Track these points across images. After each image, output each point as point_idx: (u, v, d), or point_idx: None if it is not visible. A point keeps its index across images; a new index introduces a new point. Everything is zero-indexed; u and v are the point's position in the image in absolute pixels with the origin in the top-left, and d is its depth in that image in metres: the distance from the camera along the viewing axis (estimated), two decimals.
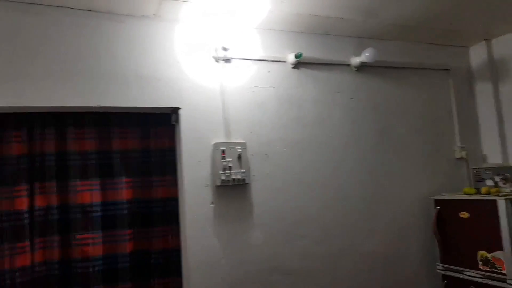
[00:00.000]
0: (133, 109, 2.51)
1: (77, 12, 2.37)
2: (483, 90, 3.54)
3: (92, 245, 2.45)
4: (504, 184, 3.03)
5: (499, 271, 2.60)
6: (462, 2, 2.71)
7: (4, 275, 2.27)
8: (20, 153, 2.36)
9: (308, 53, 2.97)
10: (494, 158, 3.44)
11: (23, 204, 2.35)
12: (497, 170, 3.12)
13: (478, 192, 2.99)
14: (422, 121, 3.38)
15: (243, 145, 2.64)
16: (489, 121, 3.50)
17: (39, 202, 2.40)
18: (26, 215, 2.36)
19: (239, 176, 2.57)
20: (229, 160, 2.56)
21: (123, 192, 2.55)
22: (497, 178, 3.09)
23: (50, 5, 2.30)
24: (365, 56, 3.01)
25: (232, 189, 2.60)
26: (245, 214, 2.63)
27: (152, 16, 2.53)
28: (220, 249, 2.53)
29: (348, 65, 3.15)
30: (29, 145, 2.40)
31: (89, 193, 2.48)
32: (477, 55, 3.60)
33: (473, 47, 3.63)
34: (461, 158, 3.45)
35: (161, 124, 2.66)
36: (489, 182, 3.12)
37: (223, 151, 2.56)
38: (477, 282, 2.74)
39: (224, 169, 2.54)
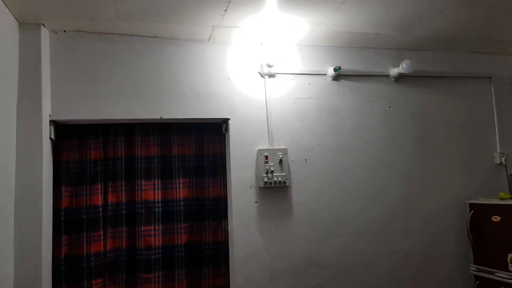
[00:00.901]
0: (190, 120, 2.92)
1: (145, 39, 2.81)
2: None
3: (154, 236, 2.86)
4: None
5: None
6: (500, 13, 2.81)
7: (83, 259, 2.73)
8: (97, 157, 2.83)
9: (348, 66, 3.22)
10: None
11: (98, 200, 2.80)
12: None
13: None
14: (461, 127, 3.48)
15: (284, 151, 2.95)
16: None
17: (111, 198, 2.85)
18: (100, 209, 2.80)
19: (280, 179, 2.89)
20: (271, 164, 2.89)
21: (180, 191, 2.95)
22: None
23: (124, 34, 2.77)
24: (402, 67, 3.20)
25: (274, 190, 2.93)
26: (286, 212, 2.95)
27: (207, 40, 2.93)
28: (262, 243, 2.87)
29: (387, 75, 3.34)
30: (104, 151, 2.86)
31: (152, 192, 2.90)
32: None
33: None
34: (501, 164, 3.52)
35: (213, 132, 3.03)
36: None
37: (266, 156, 2.90)
38: (507, 283, 2.86)
39: (267, 172, 2.87)
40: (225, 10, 2.48)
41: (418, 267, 3.20)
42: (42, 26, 2.58)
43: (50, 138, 2.62)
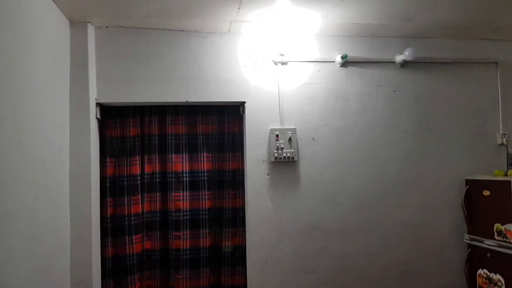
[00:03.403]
0: (212, 103, 3.36)
1: (173, 33, 3.26)
2: None
3: (182, 201, 3.36)
4: None
5: (509, 240, 3.04)
6: (496, 2, 3.00)
7: (125, 218, 3.27)
8: (135, 134, 3.34)
9: (355, 53, 3.53)
10: None
11: (137, 169, 3.32)
12: None
13: (506, 174, 3.35)
14: (464, 110, 3.71)
15: (293, 130, 3.35)
16: None
17: (147, 169, 3.36)
18: (138, 178, 3.32)
19: (289, 155, 3.30)
20: (282, 142, 3.30)
21: (204, 164, 3.42)
22: None
23: (156, 29, 3.22)
24: (405, 55, 3.47)
25: (283, 164, 3.35)
26: (294, 183, 3.37)
27: (227, 32, 3.34)
28: (273, 209, 3.32)
29: (393, 62, 3.61)
30: (141, 128, 3.36)
31: (180, 164, 3.38)
32: None
33: None
34: (502, 144, 3.74)
35: (232, 113, 3.46)
36: None
37: (277, 135, 3.31)
38: (492, 250, 3.20)
39: (277, 149, 3.29)
40: (239, 8, 2.87)
41: (415, 236, 3.55)
42: (88, 23, 3.07)
43: (96, 118, 3.15)
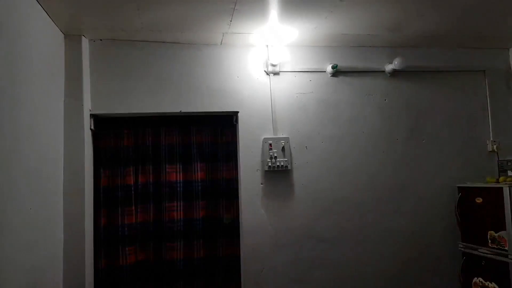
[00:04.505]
0: (205, 113, 3.40)
1: (167, 45, 3.32)
2: None
3: (176, 211, 3.37)
4: None
5: (503, 247, 3.04)
6: (478, 14, 3.09)
7: (118, 228, 3.26)
8: (129, 144, 3.36)
9: (346, 63, 3.59)
10: None
11: (131, 180, 3.33)
12: None
13: (497, 181, 3.39)
14: (454, 118, 3.77)
15: (286, 139, 3.39)
16: None
17: (141, 179, 3.37)
18: (132, 188, 3.33)
19: (282, 164, 3.33)
20: (275, 151, 3.34)
21: (198, 173, 3.44)
22: None
23: (149, 41, 3.28)
24: (394, 64, 3.55)
25: (277, 173, 3.38)
26: (287, 193, 3.39)
27: (219, 44, 3.40)
28: (267, 218, 3.33)
29: (383, 71, 3.68)
30: (135, 139, 3.38)
31: (174, 174, 3.40)
32: None
33: None
34: (493, 151, 3.79)
35: (226, 123, 3.50)
36: (510, 173, 3.48)
37: (270, 144, 3.35)
38: (487, 257, 3.20)
39: (271, 158, 3.32)
40: (231, 20, 2.93)
41: (409, 244, 3.56)
42: (82, 36, 3.12)
43: (91, 129, 3.18)
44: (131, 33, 3.13)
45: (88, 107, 3.13)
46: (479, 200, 3.31)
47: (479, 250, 3.29)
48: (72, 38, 3.08)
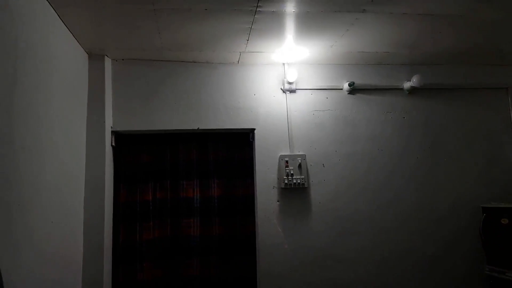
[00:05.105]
0: (222, 130, 3.45)
1: (185, 64, 3.41)
2: None
3: (193, 227, 3.38)
4: None
5: None
6: (495, 32, 3.07)
7: (136, 243, 3.30)
8: (148, 160, 3.43)
9: (363, 81, 3.60)
10: None
11: (149, 195, 3.38)
12: None
13: None
14: (475, 135, 3.70)
15: (303, 156, 3.39)
16: None
17: (159, 194, 3.41)
18: (151, 203, 3.37)
19: (299, 181, 3.32)
20: (291, 168, 3.34)
21: (215, 190, 3.46)
22: None
23: (169, 60, 3.38)
24: (412, 81, 3.52)
25: (293, 191, 3.37)
26: (304, 211, 3.37)
27: (236, 62, 3.47)
28: (283, 236, 3.31)
29: (401, 89, 3.67)
30: (153, 155, 3.45)
31: (191, 190, 3.44)
32: None
33: None
34: None
35: (242, 140, 3.53)
36: None
37: (286, 161, 3.35)
38: None
39: (287, 175, 3.32)
40: (247, 40, 3.00)
41: (431, 266, 3.45)
42: (105, 56, 3.25)
43: (112, 145, 3.27)
44: (152, 52, 3.23)
45: (109, 124, 3.22)
46: (504, 221, 3.20)
47: (507, 274, 3.15)
48: (95, 58, 3.21)
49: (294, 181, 3.32)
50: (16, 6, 2.02)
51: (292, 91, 3.51)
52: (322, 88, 3.56)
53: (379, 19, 2.75)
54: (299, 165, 3.35)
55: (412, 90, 3.64)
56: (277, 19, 2.70)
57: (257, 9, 2.54)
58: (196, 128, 3.36)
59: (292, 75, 3.46)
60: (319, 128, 3.50)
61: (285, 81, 3.48)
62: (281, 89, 3.50)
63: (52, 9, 2.46)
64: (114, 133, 3.28)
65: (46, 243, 2.34)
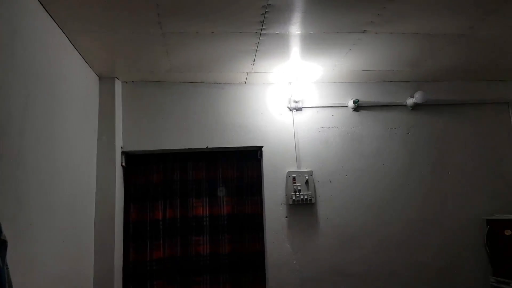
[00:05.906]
0: (231, 149, 3.51)
1: (194, 84, 3.50)
2: None
3: (203, 245, 3.42)
4: None
5: None
6: (495, 51, 3.16)
7: (146, 263, 3.33)
8: (158, 180, 3.48)
9: (367, 98, 3.67)
10: None
11: (159, 214, 3.43)
12: None
13: None
14: (478, 150, 3.74)
15: (310, 173, 3.44)
16: None
17: (169, 214, 3.45)
18: (161, 222, 3.42)
19: (306, 197, 3.37)
20: (299, 184, 3.39)
21: (224, 207, 3.51)
22: None
23: (177, 82, 3.47)
24: (415, 98, 3.60)
25: (301, 207, 3.41)
26: (312, 226, 3.40)
27: (244, 82, 3.56)
28: (292, 252, 3.34)
29: (405, 105, 3.74)
30: (163, 174, 3.51)
31: (201, 208, 3.48)
32: None
33: None
34: None
35: (250, 158, 3.59)
36: None
37: (294, 178, 3.41)
38: None
39: (295, 191, 3.37)
40: (254, 60, 3.09)
41: (437, 279, 3.47)
42: (115, 78, 3.33)
43: (122, 165, 3.33)
44: (160, 74, 3.32)
45: (120, 145, 3.29)
46: (508, 232, 3.23)
47: (511, 284, 3.17)
48: (106, 81, 3.29)
49: (302, 197, 3.37)
50: (30, 33, 2.10)
51: (299, 109, 3.58)
52: (328, 106, 3.63)
53: (380, 39, 2.84)
54: (306, 181, 3.40)
55: (415, 106, 3.71)
56: (281, 41, 2.79)
57: (262, 32, 2.64)
58: (205, 147, 3.42)
59: (298, 94, 3.55)
60: (325, 145, 3.56)
61: (291, 99, 3.56)
62: (288, 107, 3.58)
63: (65, 36, 2.55)
64: (124, 153, 3.34)
65: (57, 263, 2.38)
